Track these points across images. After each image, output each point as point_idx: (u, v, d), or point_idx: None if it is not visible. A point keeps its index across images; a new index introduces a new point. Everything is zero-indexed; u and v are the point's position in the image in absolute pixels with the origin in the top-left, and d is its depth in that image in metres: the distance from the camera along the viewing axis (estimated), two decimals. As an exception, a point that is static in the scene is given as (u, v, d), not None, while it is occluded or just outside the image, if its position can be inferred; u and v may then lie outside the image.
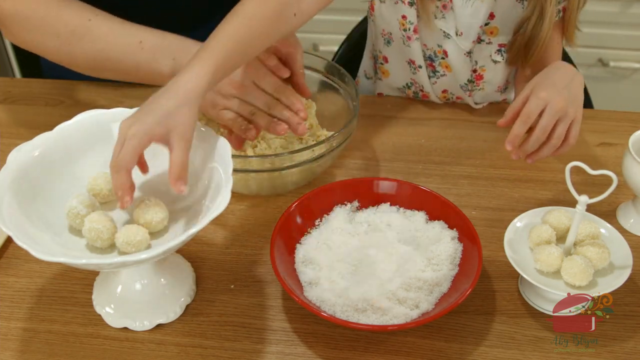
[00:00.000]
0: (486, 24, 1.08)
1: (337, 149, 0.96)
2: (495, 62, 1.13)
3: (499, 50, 1.11)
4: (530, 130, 0.94)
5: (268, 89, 0.90)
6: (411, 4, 1.08)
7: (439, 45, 1.13)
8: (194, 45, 0.90)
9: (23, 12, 0.92)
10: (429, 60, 1.16)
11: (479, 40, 1.10)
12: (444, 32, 1.10)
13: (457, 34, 1.09)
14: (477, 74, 1.15)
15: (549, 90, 0.92)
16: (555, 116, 0.91)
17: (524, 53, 1.09)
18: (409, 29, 1.11)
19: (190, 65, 0.77)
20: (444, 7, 1.07)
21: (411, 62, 1.17)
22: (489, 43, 1.11)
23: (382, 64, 1.22)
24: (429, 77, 1.18)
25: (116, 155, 0.72)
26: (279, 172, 0.93)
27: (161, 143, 0.73)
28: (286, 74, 0.93)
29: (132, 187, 0.72)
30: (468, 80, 1.16)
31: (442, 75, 1.17)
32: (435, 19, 1.09)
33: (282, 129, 0.89)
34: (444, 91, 1.19)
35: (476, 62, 1.14)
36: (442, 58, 1.14)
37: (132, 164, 0.72)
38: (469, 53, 1.12)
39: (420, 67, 1.16)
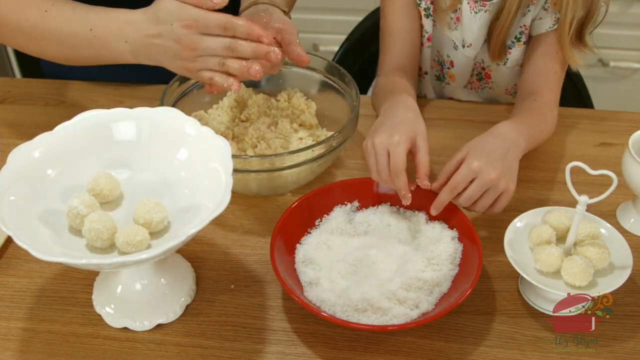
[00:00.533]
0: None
1: (337, 149, 0.96)
2: (497, 64, 1.13)
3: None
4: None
5: (218, 31, 0.85)
6: (427, 16, 1.10)
7: (447, 56, 1.14)
8: (138, 16, 0.88)
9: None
10: (440, 65, 1.19)
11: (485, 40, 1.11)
12: (454, 42, 1.12)
13: (464, 46, 1.11)
14: (485, 72, 1.16)
15: (482, 160, 0.86)
16: (483, 188, 0.86)
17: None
18: (423, 36, 1.13)
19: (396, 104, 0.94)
20: (457, 19, 1.08)
21: (419, 69, 1.18)
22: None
23: (449, 68, 1.20)
24: (441, 80, 1.21)
25: (383, 165, 0.87)
26: (279, 172, 0.93)
27: (411, 147, 0.89)
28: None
29: (411, 183, 0.89)
30: (471, 76, 1.18)
31: (446, 84, 1.19)
32: (449, 29, 1.10)
33: (254, 72, 0.85)
34: (450, 99, 1.23)
35: (482, 60, 1.15)
36: (448, 68, 1.15)
37: (404, 165, 0.87)
38: (474, 57, 1.14)
39: (426, 73, 1.18)
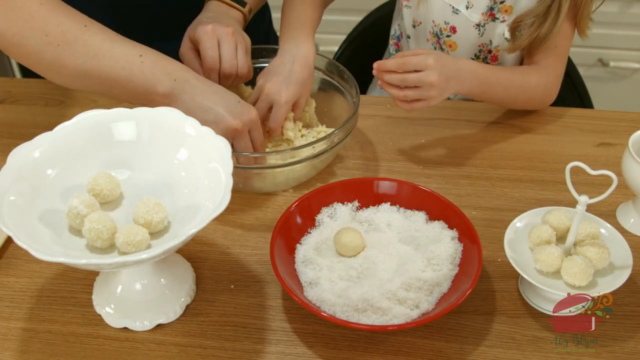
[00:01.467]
0: (501, 2, 1.09)
1: (338, 145, 0.96)
2: (507, 40, 1.13)
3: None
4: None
5: (256, 142, 0.93)
6: None
7: (445, 22, 1.14)
8: (194, 73, 0.91)
9: (13, 1, 0.84)
10: (436, 37, 1.18)
11: (494, 18, 1.11)
12: (453, 7, 1.11)
13: (467, 8, 1.11)
14: (492, 54, 1.16)
15: (437, 63, 0.95)
16: (419, 82, 0.95)
17: (528, 48, 1.09)
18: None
19: (297, 39, 0.99)
20: None
21: (475, 27, 1.17)
22: (503, 21, 1.12)
23: (448, 36, 1.20)
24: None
25: (263, 113, 0.96)
26: (280, 169, 0.93)
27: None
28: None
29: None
30: (475, 56, 1.17)
31: (447, 53, 1.18)
32: None
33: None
34: None
35: (490, 41, 1.15)
36: (448, 36, 1.15)
37: (282, 124, 0.97)
38: (479, 26, 1.12)
39: (408, 37, 1.20)
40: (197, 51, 0.98)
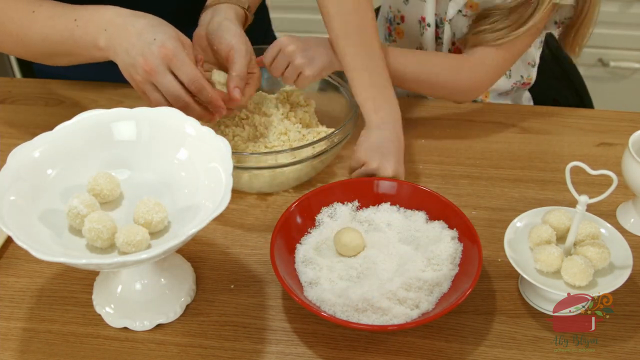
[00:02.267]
0: None
1: (339, 145, 0.96)
2: (465, 34, 1.14)
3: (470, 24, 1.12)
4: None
5: (184, 79, 0.87)
6: None
7: (398, 10, 1.16)
8: (125, 13, 0.90)
9: None
10: (389, 22, 1.21)
11: (458, 12, 1.13)
12: None
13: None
14: (455, 46, 1.16)
15: (297, 44, 1.00)
16: (285, 60, 0.99)
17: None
18: None
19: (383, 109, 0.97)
20: None
21: (422, 20, 1.18)
22: (465, 16, 1.13)
23: (398, 24, 1.22)
24: (436, 39, 1.20)
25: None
26: (280, 169, 0.93)
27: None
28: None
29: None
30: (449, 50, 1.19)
31: (391, 43, 1.20)
32: None
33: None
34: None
35: (454, 34, 1.16)
36: (398, 23, 1.18)
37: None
38: (450, 21, 1.14)
39: (429, 25, 1.18)
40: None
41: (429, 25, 1.16)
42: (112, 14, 0.90)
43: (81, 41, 0.90)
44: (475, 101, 1.23)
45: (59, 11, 0.93)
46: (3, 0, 0.94)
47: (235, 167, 0.90)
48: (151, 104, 0.89)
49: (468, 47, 1.10)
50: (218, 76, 0.96)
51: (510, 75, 1.23)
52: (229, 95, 0.91)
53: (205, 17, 0.99)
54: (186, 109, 0.88)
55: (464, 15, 1.12)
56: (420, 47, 1.22)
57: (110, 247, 0.76)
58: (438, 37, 1.19)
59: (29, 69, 1.86)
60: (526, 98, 1.32)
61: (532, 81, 1.26)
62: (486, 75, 1.08)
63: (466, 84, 1.08)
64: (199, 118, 0.87)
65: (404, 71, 1.04)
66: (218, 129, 1.03)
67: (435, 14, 1.16)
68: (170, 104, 0.88)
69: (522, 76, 1.23)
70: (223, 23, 0.96)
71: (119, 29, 0.89)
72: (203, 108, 0.91)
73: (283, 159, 0.93)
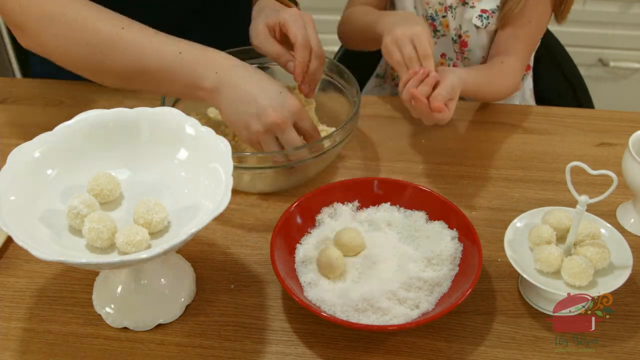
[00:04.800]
0: None
1: (340, 144, 0.97)
2: (476, 27, 1.14)
3: (480, 16, 1.13)
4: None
5: (305, 133, 0.92)
6: None
7: (440, 3, 1.14)
8: (236, 61, 0.90)
9: (51, 14, 0.87)
10: (431, 19, 1.19)
11: (464, 2, 1.13)
12: None
13: None
14: (461, 39, 1.17)
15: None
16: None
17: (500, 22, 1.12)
18: None
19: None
20: None
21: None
22: (472, 7, 1.13)
23: None
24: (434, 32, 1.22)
25: (410, 53, 0.93)
26: (282, 169, 0.93)
27: None
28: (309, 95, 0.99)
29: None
30: (453, 40, 1.19)
31: (442, 35, 1.19)
32: None
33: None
34: (443, 55, 1.22)
35: (460, 26, 1.16)
36: (444, 16, 1.16)
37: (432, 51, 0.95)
38: (451, 9, 1.14)
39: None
40: (274, 36, 0.98)
41: None
42: (222, 58, 0.89)
43: (183, 75, 0.88)
44: (474, 101, 1.23)
45: (156, 37, 0.89)
46: (93, 8, 0.89)
47: (237, 168, 0.90)
48: (259, 148, 0.92)
49: (495, 49, 1.14)
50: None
51: None
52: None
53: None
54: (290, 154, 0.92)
55: (471, 7, 1.13)
56: (453, 38, 1.22)
57: (110, 247, 0.76)
58: (436, 30, 1.20)
59: (30, 69, 1.85)
60: (528, 95, 1.33)
61: (532, 63, 1.28)
62: (517, 72, 1.13)
63: (511, 84, 1.13)
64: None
65: (477, 87, 1.07)
66: (218, 129, 1.03)
67: (428, 4, 1.16)
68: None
69: None
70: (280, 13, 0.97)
71: (231, 74, 0.88)
72: None
73: (286, 159, 0.92)
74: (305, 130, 0.92)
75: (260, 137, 0.89)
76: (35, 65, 1.28)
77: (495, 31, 1.15)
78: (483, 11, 1.13)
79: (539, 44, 1.21)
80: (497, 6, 1.12)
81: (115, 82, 0.93)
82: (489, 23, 1.14)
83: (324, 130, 1.05)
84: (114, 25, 0.88)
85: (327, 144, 0.94)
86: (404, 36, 0.93)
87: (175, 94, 0.94)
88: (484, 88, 1.08)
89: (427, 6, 1.17)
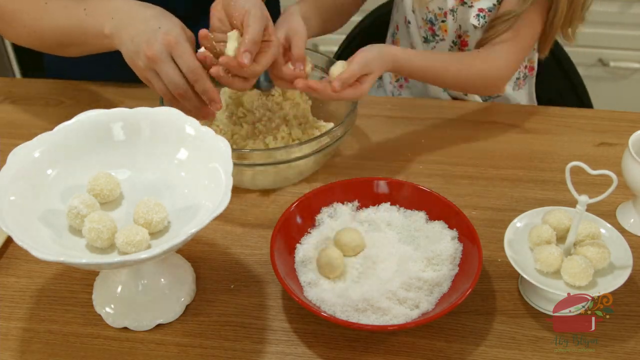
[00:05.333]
0: None
1: (341, 139, 0.97)
2: (475, 27, 1.14)
3: (477, 15, 1.13)
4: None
5: (183, 67, 0.87)
6: None
7: (440, 8, 1.15)
8: (134, 3, 0.92)
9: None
10: (430, 24, 1.19)
11: (463, 2, 1.13)
12: None
13: None
14: (461, 39, 1.17)
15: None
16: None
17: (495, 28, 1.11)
18: None
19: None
20: None
21: (406, 23, 1.20)
22: (471, 6, 1.13)
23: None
24: (429, 41, 1.21)
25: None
26: (284, 165, 0.94)
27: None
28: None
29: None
30: (453, 43, 1.19)
31: (441, 40, 1.18)
32: None
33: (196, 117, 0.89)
34: None
35: (460, 26, 1.16)
36: (443, 21, 1.15)
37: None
38: (453, 12, 1.14)
39: (409, 22, 1.20)
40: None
41: (409, 22, 1.19)
42: (120, 3, 0.93)
43: (90, 30, 0.93)
44: (474, 101, 1.23)
45: (70, 2, 0.96)
46: None
47: (239, 165, 0.91)
48: (155, 91, 0.91)
49: (485, 40, 1.12)
50: (231, 41, 0.90)
51: None
52: (237, 60, 0.86)
53: None
54: (184, 98, 0.89)
55: (470, 6, 1.13)
56: (453, 40, 1.22)
57: (110, 247, 0.76)
58: (435, 34, 1.20)
59: (30, 68, 1.86)
60: (532, 96, 1.33)
61: (535, 65, 1.27)
62: (506, 69, 1.10)
63: (482, 81, 1.10)
64: (195, 110, 0.89)
65: (419, 69, 1.04)
66: (217, 127, 1.04)
67: (428, 10, 1.16)
68: (169, 94, 0.90)
69: (525, 59, 1.23)
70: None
71: (126, 16, 0.91)
72: (200, 101, 0.91)
73: (287, 154, 0.93)
74: (181, 66, 0.87)
75: (144, 73, 0.90)
76: (49, 60, 1.29)
77: None
78: (480, 10, 1.13)
79: (531, 48, 1.17)
80: (494, 4, 1.12)
81: (55, 50, 1.02)
82: (485, 22, 1.14)
83: (322, 125, 1.05)
84: (38, 3, 0.98)
85: (327, 139, 0.95)
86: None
87: (95, 50, 0.98)
88: (437, 72, 1.05)
89: (426, 11, 1.17)
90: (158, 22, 0.89)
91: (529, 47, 1.13)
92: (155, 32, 0.87)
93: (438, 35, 1.20)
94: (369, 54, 0.93)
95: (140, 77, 0.91)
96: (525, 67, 1.25)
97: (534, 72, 1.28)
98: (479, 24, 1.14)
